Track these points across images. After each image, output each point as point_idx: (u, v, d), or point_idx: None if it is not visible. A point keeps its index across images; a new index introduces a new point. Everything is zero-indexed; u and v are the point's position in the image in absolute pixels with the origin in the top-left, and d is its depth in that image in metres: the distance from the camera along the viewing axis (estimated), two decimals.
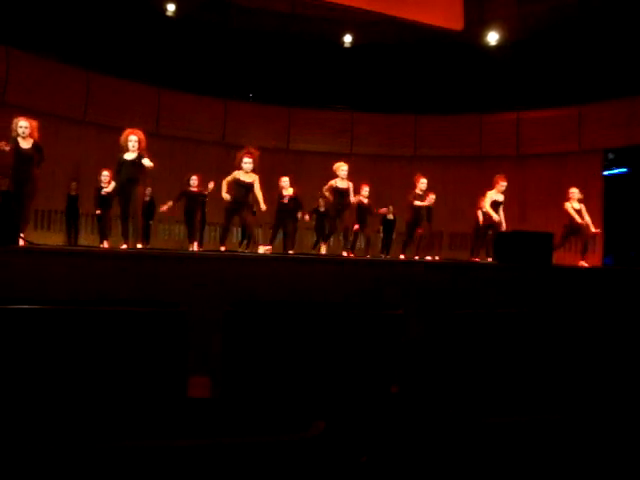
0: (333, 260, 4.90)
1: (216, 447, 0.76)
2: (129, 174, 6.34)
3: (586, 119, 11.82)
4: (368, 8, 11.21)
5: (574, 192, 8.36)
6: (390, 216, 10.74)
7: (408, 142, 13.37)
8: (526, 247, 5.02)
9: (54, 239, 9.42)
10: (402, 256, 8.82)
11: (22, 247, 4.64)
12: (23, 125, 5.94)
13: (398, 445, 1.02)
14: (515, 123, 12.68)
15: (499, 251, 5.36)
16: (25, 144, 5.93)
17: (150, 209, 9.90)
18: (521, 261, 4.76)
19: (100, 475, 0.79)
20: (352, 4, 11.17)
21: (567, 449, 1.09)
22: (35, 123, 6.04)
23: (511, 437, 1.06)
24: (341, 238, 9.29)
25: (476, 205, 9.24)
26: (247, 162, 6.97)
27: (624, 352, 2.33)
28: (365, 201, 9.17)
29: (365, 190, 9.15)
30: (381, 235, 11.12)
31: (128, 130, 6.50)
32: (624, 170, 10.16)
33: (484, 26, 12.46)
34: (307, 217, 9.34)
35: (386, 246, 10.76)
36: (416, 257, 8.72)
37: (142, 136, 6.45)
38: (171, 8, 12.04)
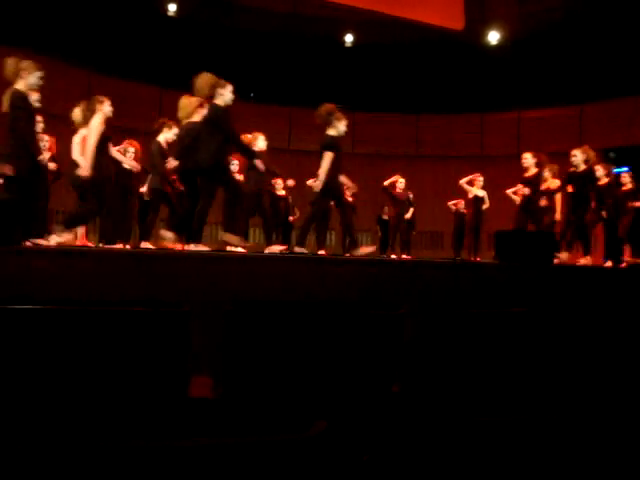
0: (334, 260, 4.91)
1: (217, 447, 0.76)
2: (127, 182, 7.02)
3: (587, 118, 11.81)
4: (369, 8, 11.21)
5: (479, 180, 8.84)
6: (385, 216, 10.74)
7: (409, 142, 13.36)
8: (527, 246, 5.02)
9: None
10: (404, 255, 8.90)
11: (24, 248, 4.64)
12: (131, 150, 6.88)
13: (400, 444, 1.03)
14: (516, 122, 12.67)
15: (500, 250, 5.36)
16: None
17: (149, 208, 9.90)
18: (522, 260, 4.76)
19: (102, 475, 0.79)
20: (353, 4, 11.17)
21: (568, 448, 1.09)
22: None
23: (513, 436, 1.06)
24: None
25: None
26: (234, 164, 7.57)
27: (626, 351, 2.33)
28: (349, 199, 9.54)
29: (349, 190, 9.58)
30: (379, 235, 11.16)
31: (127, 141, 7.13)
32: (625, 169, 10.15)
33: (485, 25, 12.45)
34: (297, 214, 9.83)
35: (383, 246, 10.78)
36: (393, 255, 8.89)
37: (138, 147, 7.11)
38: (172, 8, 12.05)
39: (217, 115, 5.14)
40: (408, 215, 9.63)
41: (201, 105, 5.57)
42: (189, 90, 5.78)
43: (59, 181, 7.32)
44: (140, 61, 11.51)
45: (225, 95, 5.19)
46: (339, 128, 5.97)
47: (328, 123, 5.99)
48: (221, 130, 5.11)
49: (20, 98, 4.72)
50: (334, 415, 1.76)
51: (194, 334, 1.97)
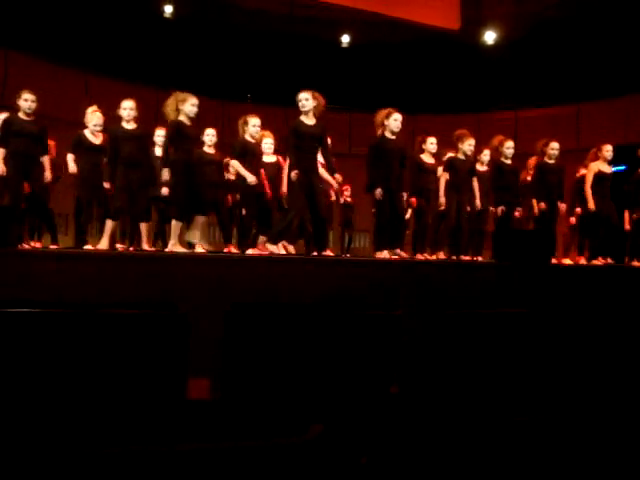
0: (332, 261, 4.91)
1: (214, 452, 0.76)
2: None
3: (584, 117, 11.82)
4: (366, 8, 11.21)
5: None
6: None
7: (406, 142, 13.35)
8: (525, 245, 5.02)
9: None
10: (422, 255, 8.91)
11: (22, 250, 4.65)
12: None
13: (398, 446, 1.03)
14: (513, 122, 12.68)
15: (498, 250, 5.36)
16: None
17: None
18: (520, 260, 4.76)
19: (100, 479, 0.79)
20: (350, 4, 11.17)
21: (567, 448, 1.10)
22: None
23: (510, 436, 1.07)
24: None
25: None
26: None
27: (624, 351, 2.34)
28: (349, 200, 9.67)
29: (348, 190, 9.66)
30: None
31: None
32: (622, 168, 10.16)
33: (481, 25, 12.45)
34: None
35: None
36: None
37: None
38: (168, 10, 12.03)
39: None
40: (407, 216, 9.65)
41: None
42: (185, 92, 5.91)
43: (57, 184, 7.28)
44: (136, 63, 11.49)
45: (391, 124, 6.00)
46: (463, 149, 6.82)
47: (455, 145, 6.90)
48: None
49: (294, 129, 5.52)
50: (332, 417, 1.76)
51: (192, 336, 1.97)
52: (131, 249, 6.47)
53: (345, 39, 13.12)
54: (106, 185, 5.91)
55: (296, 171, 5.47)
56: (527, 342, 2.22)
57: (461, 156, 6.82)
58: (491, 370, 2.13)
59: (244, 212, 6.79)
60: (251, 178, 6.07)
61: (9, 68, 9.97)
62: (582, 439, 1.11)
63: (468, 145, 6.80)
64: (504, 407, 1.85)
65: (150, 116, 11.53)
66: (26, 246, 5.68)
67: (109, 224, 5.75)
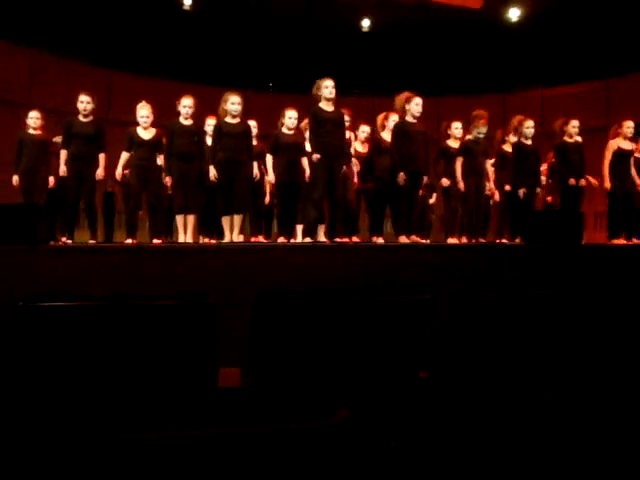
0: (358, 246, 4.90)
1: (238, 436, 0.77)
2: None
3: (613, 93, 11.50)
4: None
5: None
6: None
7: (431, 124, 13.18)
8: (555, 226, 4.94)
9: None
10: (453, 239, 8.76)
11: (53, 246, 4.74)
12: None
13: (428, 430, 1.02)
14: (540, 100, 12.42)
15: (528, 231, 5.29)
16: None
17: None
18: (550, 241, 4.68)
19: (133, 465, 0.81)
20: None
21: (594, 430, 1.08)
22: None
23: (542, 419, 1.05)
24: None
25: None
26: None
27: None
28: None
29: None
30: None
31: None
32: None
33: (504, 2, 12.18)
34: None
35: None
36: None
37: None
38: (187, 2, 12.05)
39: None
40: (432, 200, 9.51)
41: None
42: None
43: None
44: (158, 57, 11.55)
45: (412, 108, 6.12)
46: (473, 133, 6.83)
47: (469, 127, 6.94)
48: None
49: (315, 114, 5.75)
50: (361, 402, 1.76)
51: (223, 326, 1.99)
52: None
53: (365, 23, 12.98)
54: (167, 180, 6.13)
55: (318, 155, 5.56)
56: (558, 325, 2.19)
57: (473, 139, 6.78)
58: (521, 353, 2.10)
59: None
60: (271, 176, 6.50)
61: (34, 67, 10.13)
62: (612, 421, 1.09)
63: (477, 132, 6.74)
64: (535, 389, 1.83)
65: (174, 109, 11.62)
66: (55, 242, 5.79)
67: (179, 219, 6.11)
